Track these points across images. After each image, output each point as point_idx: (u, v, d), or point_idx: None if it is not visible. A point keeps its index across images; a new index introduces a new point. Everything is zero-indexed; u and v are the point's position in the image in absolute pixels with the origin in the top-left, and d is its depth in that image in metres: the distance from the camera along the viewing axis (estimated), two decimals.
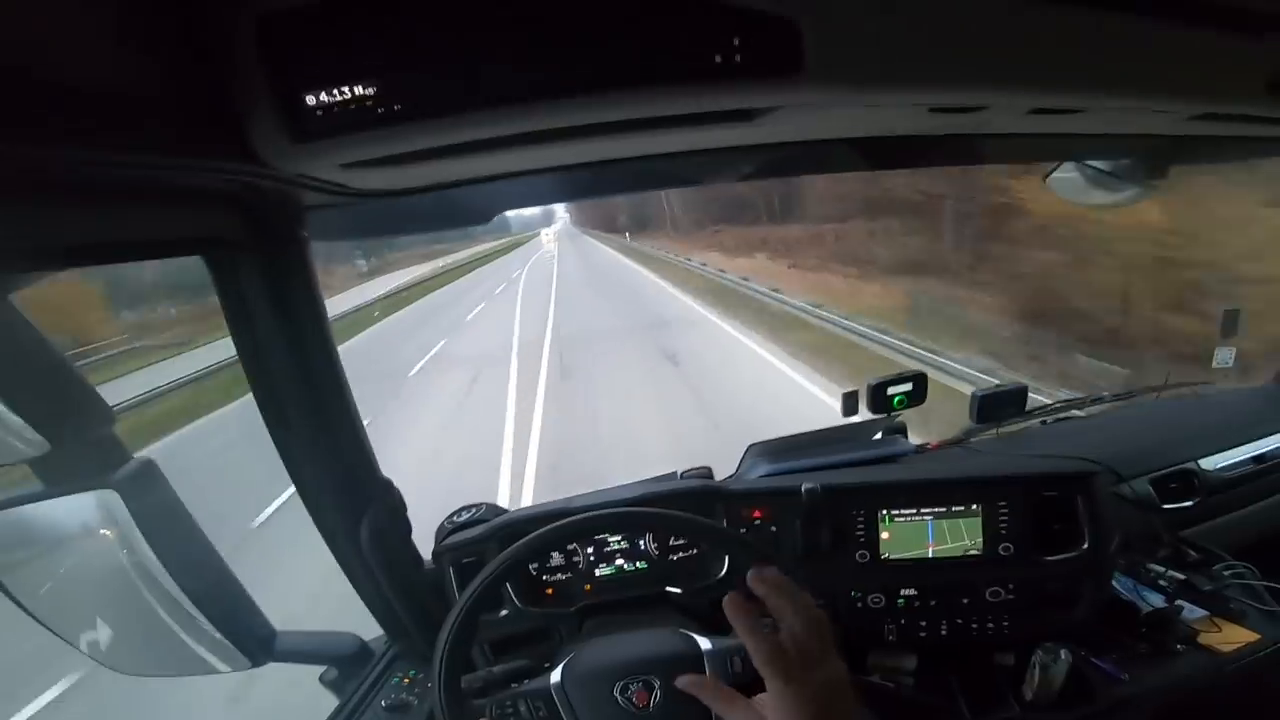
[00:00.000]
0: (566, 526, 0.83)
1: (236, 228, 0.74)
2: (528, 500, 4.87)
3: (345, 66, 0.53)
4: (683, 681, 0.68)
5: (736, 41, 0.54)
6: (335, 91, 0.54)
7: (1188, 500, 1.32)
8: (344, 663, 1.19)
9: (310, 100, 0.54)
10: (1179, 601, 1.15)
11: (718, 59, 0.54)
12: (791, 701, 0.56)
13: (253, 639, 0.98)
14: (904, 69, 0.62)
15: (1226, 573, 1.22)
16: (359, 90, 0.54)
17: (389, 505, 1.06)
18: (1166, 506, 1.29)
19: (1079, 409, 1.58)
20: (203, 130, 0.55)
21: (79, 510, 0.80)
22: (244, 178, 0.64)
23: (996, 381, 3.73)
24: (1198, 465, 1.35)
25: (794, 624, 0.59)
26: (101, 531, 0.81)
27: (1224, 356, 1.56)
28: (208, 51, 0.53)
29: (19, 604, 0.82)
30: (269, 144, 0.57)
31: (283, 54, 0.53)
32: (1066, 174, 1.22)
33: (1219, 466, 1.36)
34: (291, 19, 0.52)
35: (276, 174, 0.62)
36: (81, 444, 0.78)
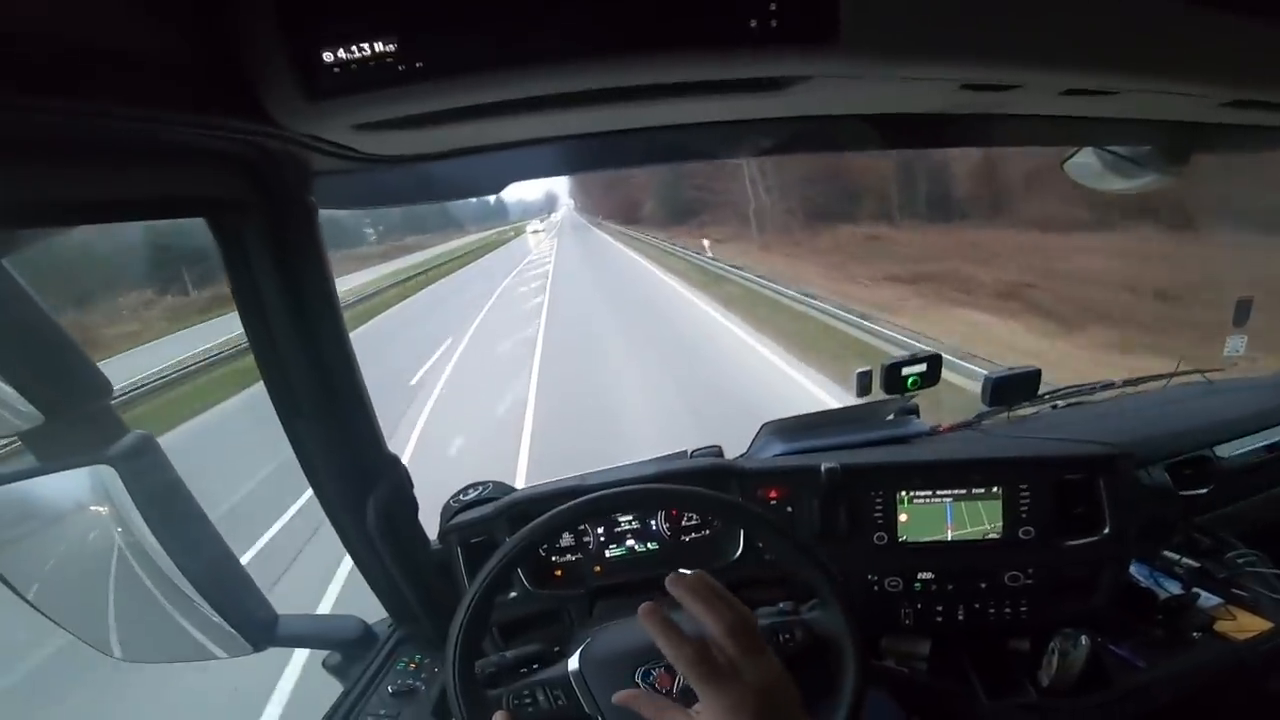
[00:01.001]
0: (582, 505, 0.80)
1: (244, 190, 0.71)
2: None
3: (364, 22, 0.51)
4: (619, 697, 0.64)
5: (773, 6, 0.52)
6: (353, 48, 0.51)
7: (1203, 487, 1.31)
8: (348, 647, 1.17)
9: (327, 57, 0.52)
10: (1195, 589, 1.15)
11: (753, 24, 0.52)
12: (723, 709, 0.54)
13: (254, 623, 0.95)
14: (940, 42, 0.60)
15: (1240, 560, 1.22)
16: (378, 47, 0.51)
17: (395, 484, 1.03)
18: (1183, 493, 1.28)
19: (1089, 394, 1.57)
20: (213, 87, 0.53)
21: (74, 486, 0.77)
22: (254, 137, 0.61)
23: None
24: (1213, 452, 1.35)
25: (714, 628, 0.58)
26: (97, 508, 0.78)
27: (1235, 345, 1.57)
28: (220, 5, 0.50)
29: (8, 584, 0.79)
30: (282, 102, 0.55)
31: (299, 7, 0.50)
32: (1084, 159, 1.21)
33: (1234, 454, 1.35)
34: None
35: (288, 134, 0.60)
36: (77, 417, 0.76)
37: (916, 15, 0.57)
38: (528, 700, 0.78)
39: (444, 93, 0.55)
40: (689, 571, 0.62)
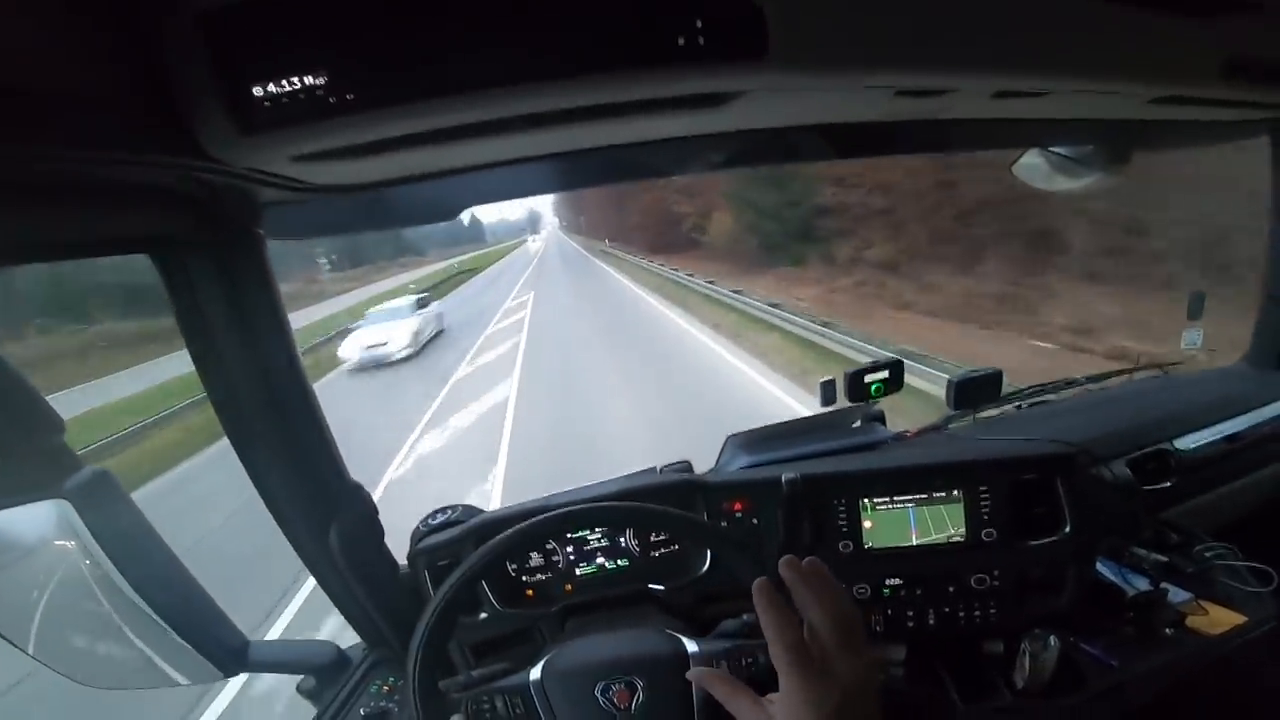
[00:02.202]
0: (541, 523, 0.81)
1: (187, 225, 0.72)
2: None
3: (292, 56, 0.52)
4: (694, 674, 0.67)
5: (699, 24, 0.53)
6: (283, 82, 0.52)
7: (1165, 481, 1.33)
8: (321, 671, 1.16)
9: (257, 91, 0.53)
10: (1164, 584, 1.15)
11: (681, 41, 0.54)
12: (801, 702, 0.52)
13: (224, 650, 0.95)
14: (867, 51, 0.62)
15: (1208, 554, 1.22)
16: (308, 80, 0.52)
17: (359, 511, 1.03)
18: (1146, 488, 1.30)
19: (1053, 393, 1.59)
20: (147, 125, 0.53)
21: (30, 521, 0.77)
22: (192, 173, 0.62)
23: None
24: (1172, 446, 1.36)
25: (818, 618, 0.55)
26: (55, 542, 0.78)
27: (1191, 338, 1.59)
28: (149, 45, 0.51)
29: None
30: (216, 138, 0.55)
31: (227, 45, 0.51)
32: (1031, 160, 1.24)
33: (1193, 446, 1.37)
34: (235, 8, 0.50)
35: (226, 169, 0.60)
36: (30, 453, 0.75)
37: (843, 27, 0.59)
38: (486, 707, 0.78)
39: (379, 123, 0.56)
40: (810, 559, 0.60)
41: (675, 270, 19.59)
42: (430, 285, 27.04)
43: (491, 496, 5.35)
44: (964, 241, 11.80)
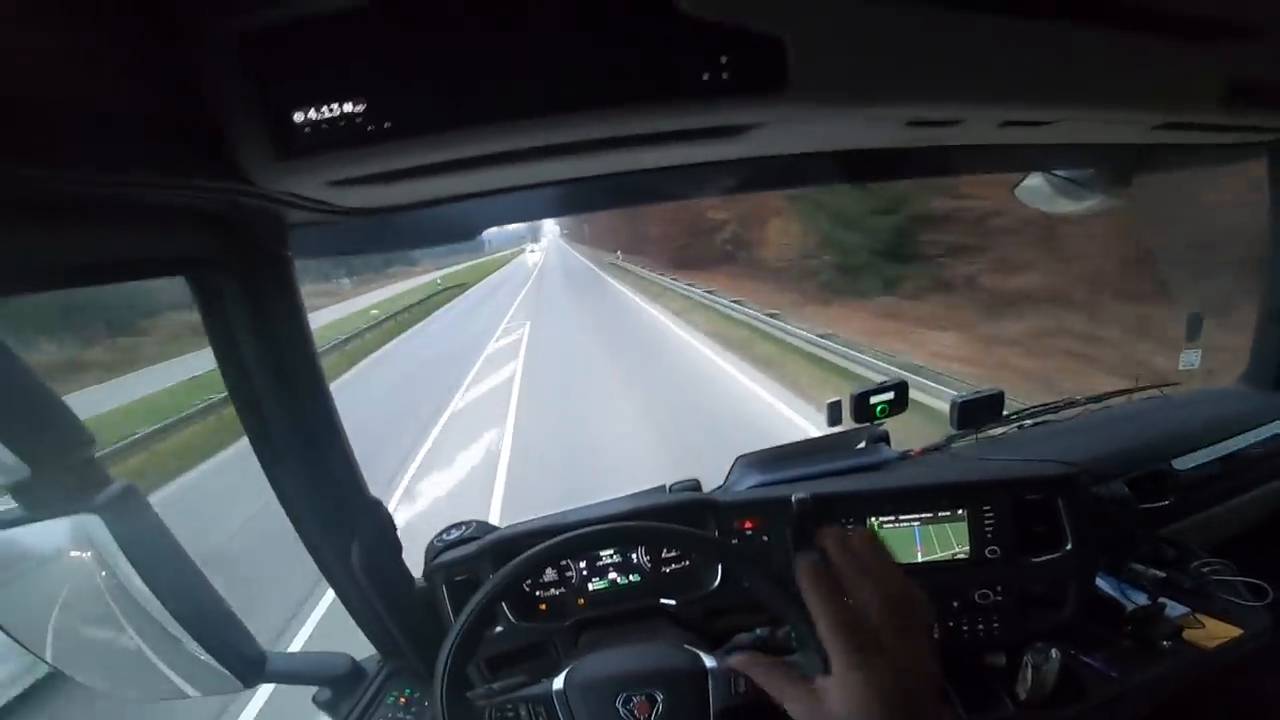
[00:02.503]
0: (563, 544, 0.82)
1: (220, 247, 0.73)
2: None
3: (333, 84, 0.54)
4: (737, 662, 0.63)
5: (724, 59, 0.55)
6: (323, 109, 0.54)
7: (1163, 500, 1.34)
8: (337, 683, 1.17)
9: (298, 118, 0.54)
10: (1161, 599, 1.17)
11: (705, 76, 0.56)
12: (855, 681, 0.47)
13: (242, 661, 0.96)
14: (882, 84, 0.64)
15: (1205, 569, 1.24)
16: (347, 108, 0.54)
17: (378, 525, 1.05)
18: (1144, 506, 1.31)
19: (1054, 413, 1.61)
20: (189, 149, 0.55)
21: (61, 535, 0.79)
22: (230, 196, 0.63)
23: None
24: (1170, 466, 1.38)
25: (867, 598, 0.50)
26: (84, 556, 0.79)
27: (1190, 359, 1.61)
28: (193, 70, 0.53)
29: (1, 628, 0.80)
30: (256, 162, 0.57)
31: (269, 71, 0.53)
32: (1034, 183, 1.27)
33: (1190, 467, 1.38)
34: (277, 36, 0.52)
35: (262, 192, 0.62)
36: (62, 469, 0.77)
37: (859, 62, 0.61)
38: (510, 714, 0.80)
39: (414, 150, 0.58)
40: (858, 529, 0.54)
41: (710, 292, 14.57)
42: (401, 309, 21.44)
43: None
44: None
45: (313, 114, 0.54)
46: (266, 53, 0.52)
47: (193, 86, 0.53)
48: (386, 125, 0.55)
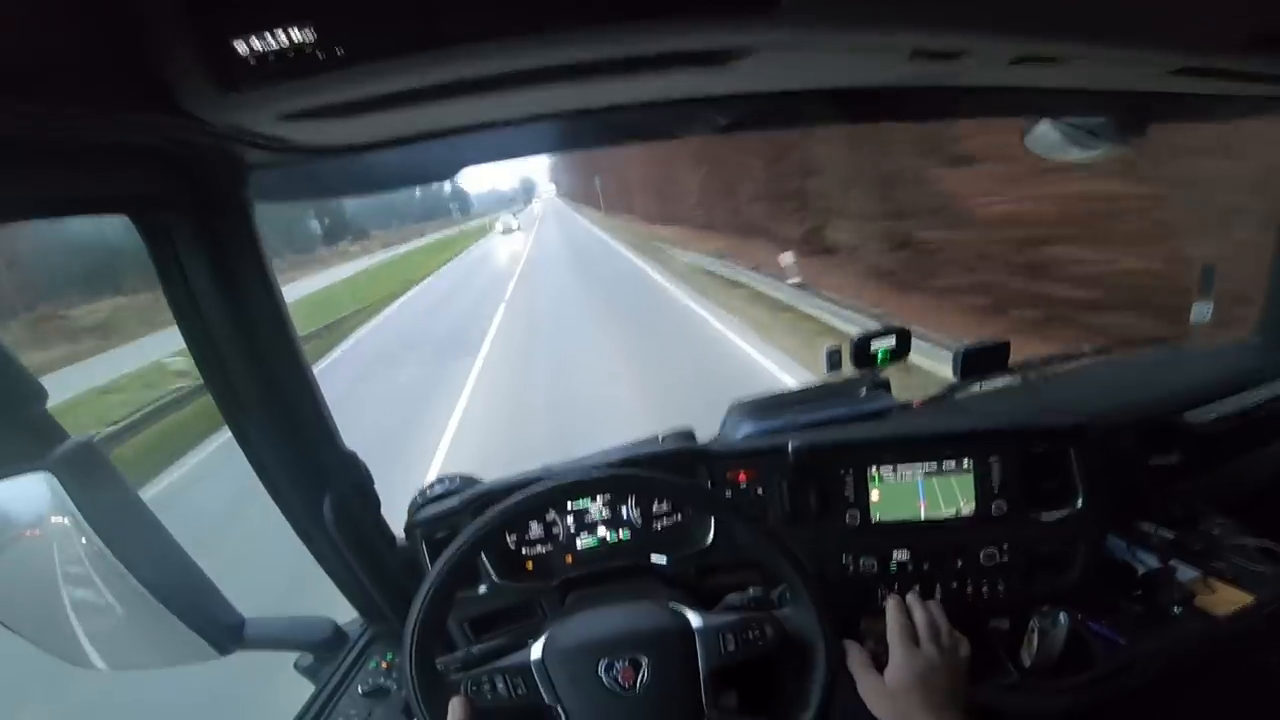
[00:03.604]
0: (541, 494, 0.79)
1: (168, 187, 0.69)
2: None
3: (277, 9, 0.48)
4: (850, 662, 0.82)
5: None
6: (267, 36, 0.49)
7: (1173, 455, 1.31)
8: (319, 648, 1.15)
9: (240, 47, 0.49)
10: (1172, 562, 1.14)
11: None
12: (905, 671, 0.79)
13: (219, 627, 0.93)
14: (883, 6, 0.59)
15: (1216, 530, 1.21)
16: (294, 35, 0.49)
17: (353, 480, 1.02)
18: (1154, 463, 1.28)
19: (1061, 364, 1.56)
20: (124, 82, 0.51)
21: (13, 494, 0.75)
22: (174, 133, 0.59)
23: None
24: (1182, 419, 1.34)
25: (925, 626, 0.85)
26: (38, 517, 0.76)
27: (1201, 312, 1.55)
28: (126, 2, 0.48)
29: None
30: (196, 95, 0.53)
31: None
32: (1043, 129, 1.21)
33: (1202, 421, 1.34)
34: None
35: (208, 128, 0.58)
36: (11, 424, 0.73)
37: None
38: (486, 686, 0.75)
39: (371, 79, 0.53)
40: (932, 602, 0.90)
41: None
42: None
43: None
44: None
45: (256, 43, 0.49)
46: None
47: (127, 18, 0.48)
48: (339, 51, 0.50)
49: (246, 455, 0.92)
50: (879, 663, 0.81)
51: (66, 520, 0.76)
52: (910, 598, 0.88)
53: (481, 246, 36.98)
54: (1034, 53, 0.76)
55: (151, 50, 0.50)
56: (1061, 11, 0.68)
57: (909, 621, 0.84)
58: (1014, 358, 1.40)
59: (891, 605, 0.86)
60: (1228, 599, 1.09)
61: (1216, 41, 0.82)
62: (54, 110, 0.47)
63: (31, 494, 0.74)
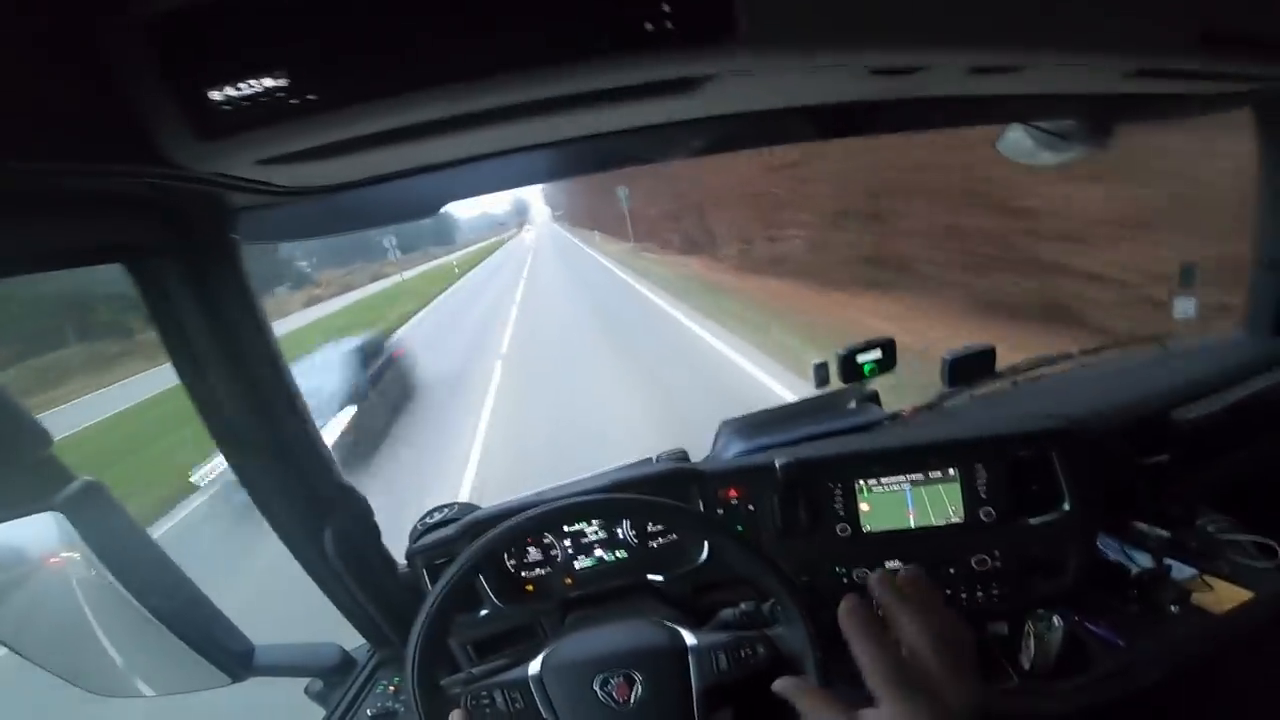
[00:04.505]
0: (535, 519, 0.82)
1: (155, 233, 0.71)
2: None
3: (247, 57, 0.51)
4: (779, 685, 0.62)
5: (666, 7, 0.52)
6: (240, 85, 0.51)
7: (1163, 454, 1.30)
8: (328, 674, 1.17)
9: (215, 96, 0.51)
10: (1167, 560, 1.14)
11: (649, 26, 0.53)
12: None
13: (230, 655, 0.96)
14: (839, 29, 0.61)
15: (1210, 528, 1.21)
16: (266, 82, 0.51)
17: (353, 511, 1.04)
18: (1144, 462, 1.28)
19: (1048, 367, 1.57)
20: (104, 134, 0.53)
21: (23, 536, 0.78)
22: (155, 180, 0.61)
23: None
24: (1169, 416, 1.34)
25: (919, 641, 0.51)
26: (50, 554, 0.79)
27: (1184, 308, 1.56)
28: (103, 56, 0.50)
29: None
30: (176, 143, 0.55)
31: (176, 48, 0.50)
32: (1015, 136, 1.24)
33: (1190, 417, 1.34)
34: (184, 16, 0.49)
35: (189, 174, 0.60)
36: (19, 468, 0.75)
37: (811, 4, 0.58)
38: (485, 701, 0.78)
39: (344, 122, 0.55)
40: (906, 568, 0.57)
41: None
42: None
43: None
44: None
45: (230, 91, 0.51)
46: (175, 32, 0.50)
47: (106, 73, 0.51)
48: (310, 97, 0.52)
49: (248, 491, 0.94)
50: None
51: (78, 556, 0.79)
52: (880, 591, 0.55)
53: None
54: (990, 63, 0.78)
55: (131, 102, 0.52)
56: (1012, 22, 0.70)
57: (890, 642, 0.52)
58: (1001, 362, 1.41)
59: (851, 619, 0.53)
60: (1226, 596, 1.09)
61: (1169, 43, 0.84)
62: (44, 164, 0.49)
63: (42, 533, 0.77)
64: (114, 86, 0.51)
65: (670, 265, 18.06)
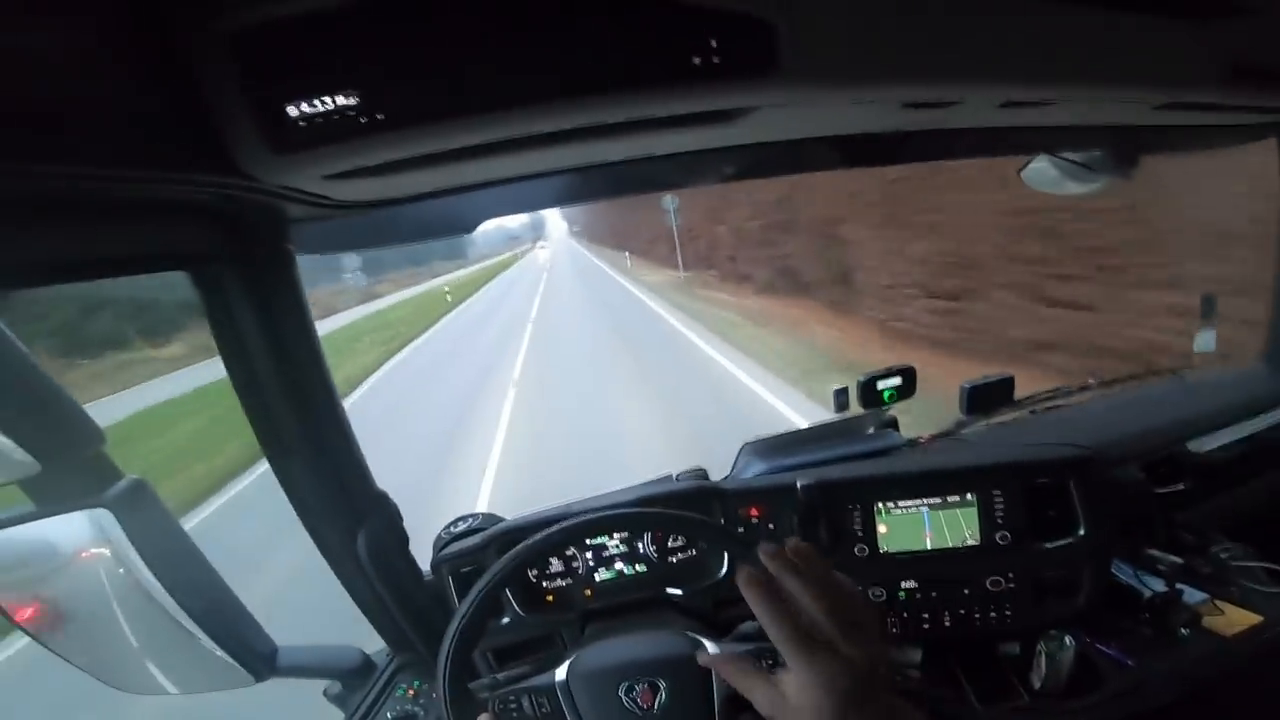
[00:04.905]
0: (562, 531, 0.84)
1: (220, 241, 0.74)
2: None
3: (325, 79, 0.54)
4: (704, 659, 0.71)
5: (714, 43, 0.55)
6: (317, 102, 0.54)
7: (1179, 483, 1.31)
8: (348, 676, 1.19)
9: (292, 111, 0.54)
10: (1179, 585, 1.14)
11: (696, 60, 0.55)
12: (812, 684, 0.51)
13: (255, 655, 0.97)
14: (877, 66, 0.63)
15: (1223, 555, 1.21)
16: (340, 101, 0.54)
17: (385, 517, 1.06)
18: (1160, 491, 1.28)
19: (1065, 397, 1.57)
20: (184, 144, 0.55)
21: (72, 530, 0.80)
22: (226, 190, 0.64)
23: None
24: (1186, 448, 1.34)
25: (812, 608, 0.54)
26: (96, 550, 0.81)
27: (1205, 340, 1.56)
28: (188, 69, 0.53)
29: (13, 622, 0.82)
30: (251, 156, 0.57)
31: (262, 68, 0.53)
32: (1040, 166, 1.25)
33: (1207, 449, 1.35)
34: (268, 33, 0.52)
35: (259, 186, 0.63)
36: (72, 464, 0.78)
37: (852, 43, 0.60)
38: (513, 705, 0.80)
39: (409, 141, 0.58)
40: (794, 540, 0.59)
41: None
42: None
43: None
44: None
45: (306, 108, 0.54)
46: (258, 50, 0.52)
47: (188, 86, 0.53)
48: (379, 117, 0.55)
49: (286, 491, 0.97)
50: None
51: (108, 552, 0.81)
52: (770, 564, 0.57)
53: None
54: (1021, 97, 0.80)
55: (210, 114, 0.55)
56: (1044, 59, 0.73)
57: (787, 609, 0.54)
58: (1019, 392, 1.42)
59: (749, 589, 0.55)
60: (1236, 620, 1.09)
61: (1197, 77, 0.86)
62: (121, 171, 0.51)
63: (89, 529, 0.79)
64: (194, 99, 0.54)
65: (781, 323, 10.50)
